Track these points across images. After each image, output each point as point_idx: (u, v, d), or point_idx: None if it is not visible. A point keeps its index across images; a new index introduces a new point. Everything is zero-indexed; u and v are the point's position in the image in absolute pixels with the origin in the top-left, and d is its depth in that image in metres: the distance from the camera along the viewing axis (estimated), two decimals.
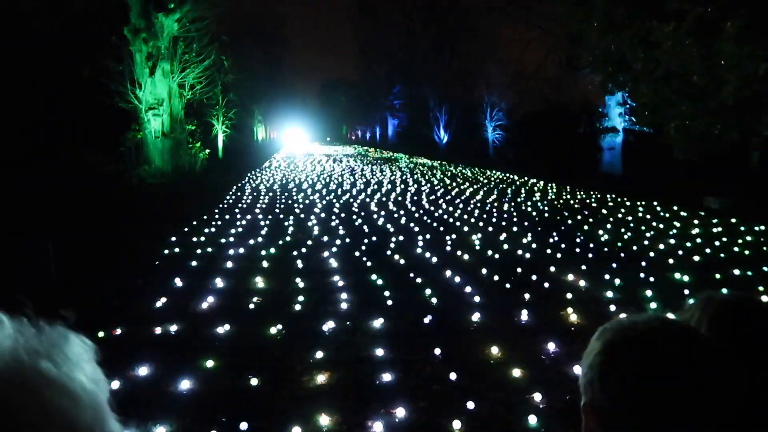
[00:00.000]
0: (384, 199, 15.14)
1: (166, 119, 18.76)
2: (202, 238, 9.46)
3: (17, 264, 7.17)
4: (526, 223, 11.18)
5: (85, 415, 0.61)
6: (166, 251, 8.47)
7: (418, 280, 6.99)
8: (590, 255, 8.45)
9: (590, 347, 0.87)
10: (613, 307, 5.97)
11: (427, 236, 9.85)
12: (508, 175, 22.94)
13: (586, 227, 10.73)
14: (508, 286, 6.82)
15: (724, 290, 1.07)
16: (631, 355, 0.80)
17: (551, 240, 9.50)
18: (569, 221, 11.44)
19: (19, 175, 15.14)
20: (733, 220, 11.24)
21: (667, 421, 0.75)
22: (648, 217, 11.99)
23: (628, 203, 14.15)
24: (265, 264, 7.81)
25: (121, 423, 0.72)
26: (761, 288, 6.65)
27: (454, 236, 9.85)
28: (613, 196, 15.54)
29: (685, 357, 0.77)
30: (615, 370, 0.80)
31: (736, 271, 7.42)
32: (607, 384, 0.81)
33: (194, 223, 10.82)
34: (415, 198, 15.35)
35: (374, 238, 9.58)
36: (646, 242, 9.31)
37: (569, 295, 6.37)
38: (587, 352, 0.87)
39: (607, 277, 7.14)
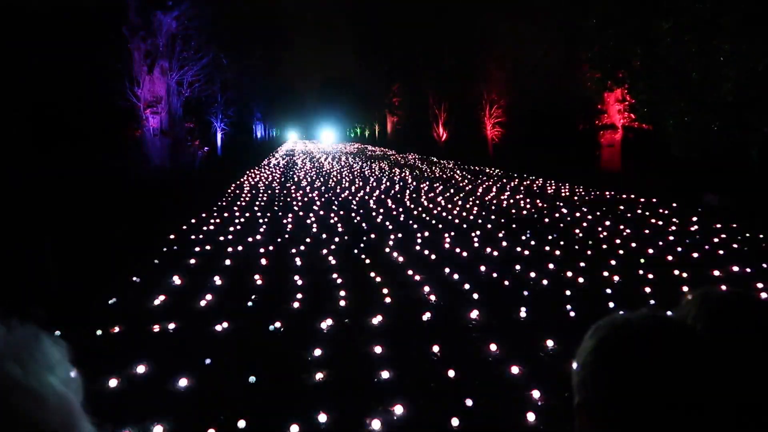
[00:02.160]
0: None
1: (164, 117, 18.72)
2: (201, 236, 9.47)
3: (15, 262, 7.15)
4: (524, 220, 11.18)
5: (53, 420, 0.59)
6: (165, 249, 8.47)
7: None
8: (589, 252, 8.45)
9: (583, 345, 0.85)
10: (611, 304, 5.97)
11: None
12: (507, 171, 22.92)
13: (584, 224, 10.72)
14: (506, 283, 6.82)
15: (722, 287, 1.06)
16: (624, 353, 0.78)
17: (550, 237, 9.49)
18: (568, 218, 11.43)
19: (16, 173, 15.10)
20: (732, 217, 11.23)
21: (661, 421, 0.74)
22: (647, 214, 11.98)
23: (626, 200, 14.13)
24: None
25: (96, 425, 0.70)
26: (760, 285, 6.64)
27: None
28: (612, 193, 15.52)
29: (679, 355, 0.76)
30: (608, 369, 0.79)
31: (735, 268, 7.42)
32: (600, 383, 0.79)
33: (193, 221, 10.82)
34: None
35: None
36: (644, 239, 9.30)
37: (568, 292, 6.36)
38: (580, 350, 0.85)
39: (605, 273, 7.14)
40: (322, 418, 3.68)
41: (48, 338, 0.67)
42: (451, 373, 4.31)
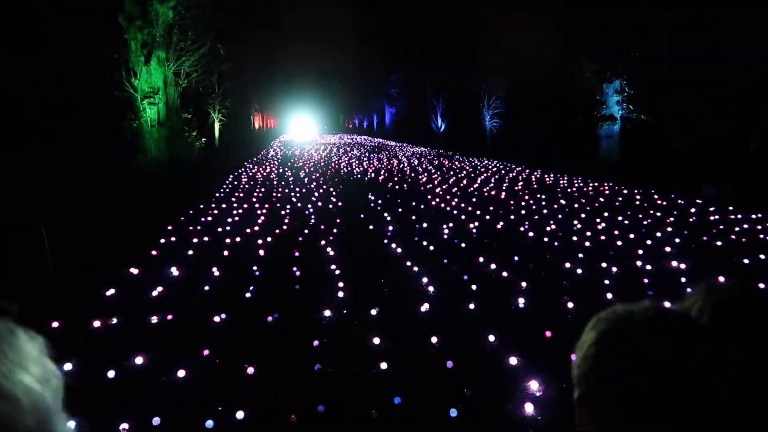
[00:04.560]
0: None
1: (161, 108, 18.62)
2: (198, 227, 9.45)
3: (13, 255, 7.14)
4: (523, 212, 11.17)
5: (26, 420, 0.57)
6: (163, 240, 8.45)
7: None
8: (587, 243, 8.45)
9: (584, 337, 0.83)
10: (610, 295, 5.98)
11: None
12: (505, 163, 22.90)
13: (583, 215, 10.72)
14: (505, 274, 6.82)
15: (722, 278, 1.04)
16: (626, 346, 0.76)
17: (548, 228, 9.49)
18: (566, 209, 11.43)
19: (13, 164, 15.04)
20: (731, 208, 11.24)
21: (663, 415, 0.72)
22: (645, 205, 11.98)
23: (625, 191, 14.13)
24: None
25: (77, 424, 0.67)
26: (758, 276, 6.66)
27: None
28: (611, 184, 15.52)
29: (682, 348, 0.74)
30: (609, 362, 0.77)
31: (733, 259, 7.43)
32: (601, 376, 0.77)
33: (191, 212, 10.80)
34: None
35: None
36: (643, 230, 9.31)
37: (566, 283, 6.37)
38: (580, 342, 0.83)
39: (604, 265, 7.14)
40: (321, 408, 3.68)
41: (23, 334, 0.64)
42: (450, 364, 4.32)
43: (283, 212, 11.16)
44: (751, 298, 0.92)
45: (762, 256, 7.53)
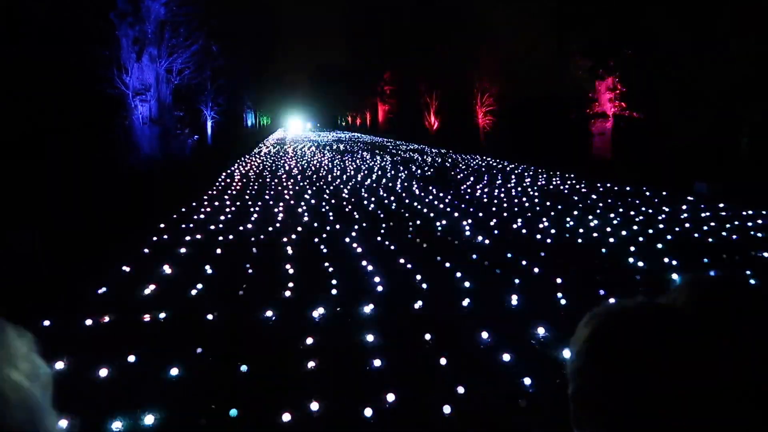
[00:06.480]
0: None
1: (153, 105, 18.51)
2: (191, 225, 9.42)
3: (3, 253, 7.08)
4: (516, 209, 11.20)
5: (15, 416, 0.57)
6: (155, 238, 8.41)
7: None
8: (580, 240, 8.48)
9: (578, 333, 0.83)
10: (602, 292, 6.00)
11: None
12: (498, 160, 22.95)
13: (575, 212, 10.75)
14: (498, 271, 6.84)
15: (711, 273, 1.05)
16: (621, 342, 0.77)
17: (541, 225, 9.52)
18: (559, 206, 11.46)
19: (4, 162, 14.90)
20: (722, 205, 11.31)
21: (659, 409, 0.73)
22: (637, 202, 12.04)
23: (617, 188, 14.19)
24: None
25: (70, 420, 0.68)
26: (748, 272, 6.70)
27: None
28: (603, 181, 15.58)
29: (678, 345, 0.75)
30: (604, 358, 0.78)
31: (724, 255, 7.48)
32: (597, 371, 0.78)
33: (183, 210, 10.76)
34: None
35: None
36: (635, 227, 9.35)
37: (559, 280, 6.39)
38: (575, 338, 0.83)
39: (596, 261, 7.17)
40: (314, 406, 3.68)
41: (12, 331, 0.64)
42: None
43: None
44: (734, 290, 0.92)
45: (752, 253, 7.58)
